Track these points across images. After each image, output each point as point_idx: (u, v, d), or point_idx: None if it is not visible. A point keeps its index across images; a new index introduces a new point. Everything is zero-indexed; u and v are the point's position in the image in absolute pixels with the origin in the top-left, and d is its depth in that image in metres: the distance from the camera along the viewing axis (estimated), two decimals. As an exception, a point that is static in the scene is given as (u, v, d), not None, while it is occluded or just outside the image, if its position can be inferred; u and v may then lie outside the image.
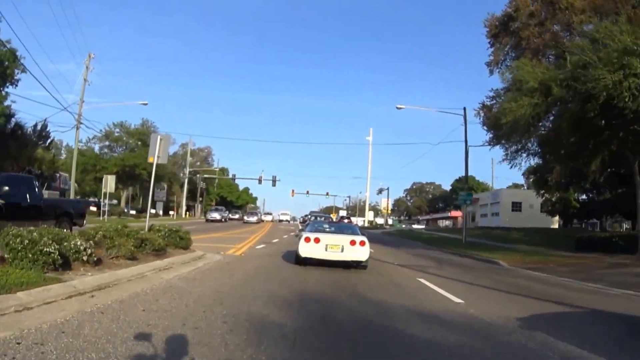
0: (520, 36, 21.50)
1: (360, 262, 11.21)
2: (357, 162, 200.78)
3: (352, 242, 11.00)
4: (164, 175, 55.06)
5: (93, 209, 36.96)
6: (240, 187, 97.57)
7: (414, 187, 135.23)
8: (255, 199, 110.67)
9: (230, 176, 76.90)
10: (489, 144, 25.64)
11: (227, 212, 54.95)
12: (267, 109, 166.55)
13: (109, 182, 30.18)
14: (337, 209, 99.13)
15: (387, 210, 69.85)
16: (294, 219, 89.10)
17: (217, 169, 79.45)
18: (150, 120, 55.22)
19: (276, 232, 32.17)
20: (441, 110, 31.50)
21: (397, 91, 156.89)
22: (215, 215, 47.28)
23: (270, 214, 77.22)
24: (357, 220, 76.26)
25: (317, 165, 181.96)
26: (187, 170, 67.01)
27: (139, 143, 54.88)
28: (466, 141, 29.74)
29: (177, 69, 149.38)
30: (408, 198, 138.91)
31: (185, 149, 71.43)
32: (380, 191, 67.25)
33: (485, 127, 25.97)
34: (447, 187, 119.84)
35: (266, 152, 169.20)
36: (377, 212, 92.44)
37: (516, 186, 78.67)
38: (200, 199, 71.73)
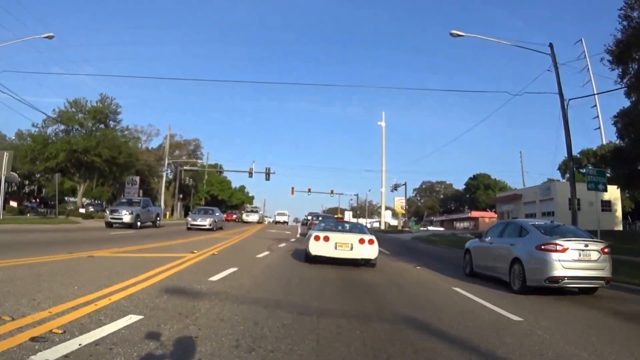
0: None
1: (369, 260, 11.39)
2: (365, 155, 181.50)
3: (361, 241, 11.20)
4: (129, 165, 44.39)
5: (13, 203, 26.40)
6: (237, 185, 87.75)
7: (424, 186, 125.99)
8: (252, 197, 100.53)
9: (218, 170, 65.90)
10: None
11: (151, 208, 28.92)
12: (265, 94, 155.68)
13: (5, 162, 19.86)
14: (342, 210, 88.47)
15: (405, 210, 58.60)
16: (296, 220, 78.97)
17: (206, 163, 68.93)
18: (111, 96, 44.13)
19: (253, 245, 17.58)
20: (518, 44, 20.31)
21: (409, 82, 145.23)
22: (122, 216, 24.41)
23: (256, 212, 56.39)
24: (367, 223, 65.15)
25: (320, 159, 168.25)
26: (166, 161, 56.52)
27: (101, 126, 44.28)
28: (560, 92, 18.98)
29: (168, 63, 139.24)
30: (418, 198, 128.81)
31: (171, 142, 61.04)
32: (395, 187, 56.20)
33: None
34: (458, 186, 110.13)
35: (263, 143, 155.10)
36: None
37: (551, 182, 67.91)
38: (181, 195, 60.90)
